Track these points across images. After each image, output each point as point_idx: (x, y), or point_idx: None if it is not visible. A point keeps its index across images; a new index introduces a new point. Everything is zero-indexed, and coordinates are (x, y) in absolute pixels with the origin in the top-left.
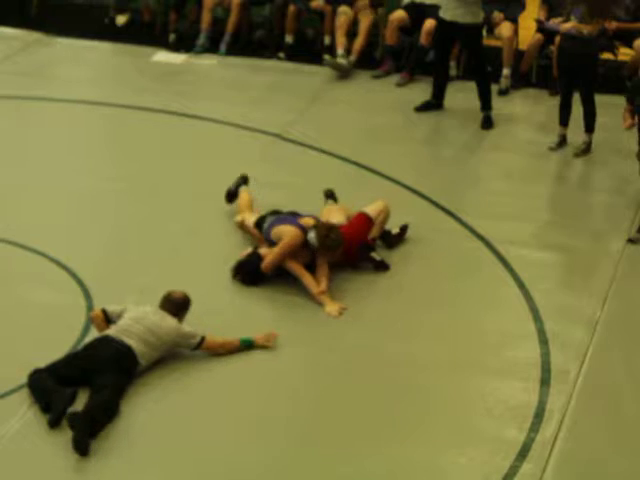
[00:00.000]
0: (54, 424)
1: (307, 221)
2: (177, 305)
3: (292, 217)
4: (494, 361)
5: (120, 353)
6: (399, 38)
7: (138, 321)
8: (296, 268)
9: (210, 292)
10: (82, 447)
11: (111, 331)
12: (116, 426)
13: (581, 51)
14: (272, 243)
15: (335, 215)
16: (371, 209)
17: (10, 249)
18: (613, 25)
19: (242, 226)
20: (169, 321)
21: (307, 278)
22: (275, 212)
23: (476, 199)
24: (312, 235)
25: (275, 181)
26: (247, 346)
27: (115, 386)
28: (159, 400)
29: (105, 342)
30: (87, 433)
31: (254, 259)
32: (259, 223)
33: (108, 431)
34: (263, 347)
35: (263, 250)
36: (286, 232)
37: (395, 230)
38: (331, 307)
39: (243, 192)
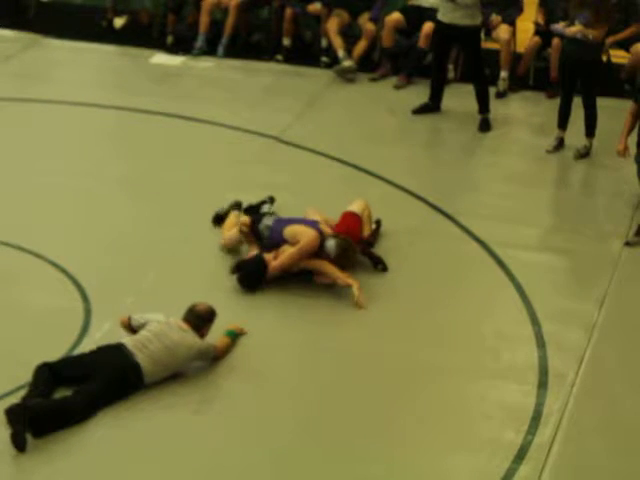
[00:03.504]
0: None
1: (325, 228)
2: (200, 318)
3: (306, 219)
4: (492, 364)
5: (125, 368)
6: (395, 40)
7: (158, 337)
8: (313, 261)
9: (208, 295)
10: (18, 443)
11: (128, 341)
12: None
13: (584, 55)
14: (277, 243)
15: (312, 216)
16: (355, 207)
17: (8, 251)
18: (610, 39)
19: (229, 242)
20: (189, 339)
21: (328, 266)
22: (269, 214)
23: (474, 202)
24: (331, 244)
25: (273, 183)
26: (235, 338)
27: (93, 395)
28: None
29: (116, 351)
30: (23, 429)
31: (258, 261)
32: (253, 225)
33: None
34: (242, 333)
35: (268, 255)
36: (305, 234)
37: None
38: (359, 292)
39: (232, 215)
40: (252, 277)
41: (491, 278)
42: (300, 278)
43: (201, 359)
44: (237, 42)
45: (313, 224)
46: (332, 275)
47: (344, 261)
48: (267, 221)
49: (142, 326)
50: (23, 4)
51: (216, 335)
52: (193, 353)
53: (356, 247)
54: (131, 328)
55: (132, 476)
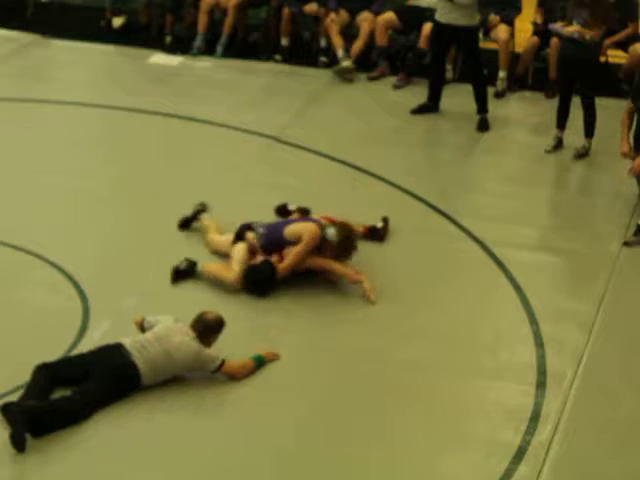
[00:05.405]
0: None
1: (322, 219)
2: (207, 327)
3: (300, 218)
4: (490, 363)
5: (123, 368)
6: (392, 39)
7: (159, 340)
8: (320, 260)
9: (207, 295)
10: (18, 443)
11: (128, 341)
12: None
13: (582, 56)
14: (278, 244)
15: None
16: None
17: (7, 251)
18: (608, 40)
19: (213, 245)
20: (191, 346)
21: (336, 265)
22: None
23: (472, 201)
24: (332, 232)
25: (271, 183)
26: (261, 364)
27: (92, 395)
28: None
29: (114, 351)
30: (23, 429)
31: (266, 266)
32: (242, 230)
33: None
34: (272, 360)
35: (275, 258)
36: (306, 229)
37: (379, 224)
38: (370, 288)
39: (205, 219)
40: (263, 283)
41: (489, 278)
42: (302, 277)
43: (201, 369)
44: (235, 42)
45: (309, 219)
46: (341, 272)
47: (347, 246)
48: (259, 230)
49: (151, 327)
50: (23, 4)
51: (221, 345)
52: (192, 360)
53: (357, 236)
54: (142, 329)
55: (131, 477)
